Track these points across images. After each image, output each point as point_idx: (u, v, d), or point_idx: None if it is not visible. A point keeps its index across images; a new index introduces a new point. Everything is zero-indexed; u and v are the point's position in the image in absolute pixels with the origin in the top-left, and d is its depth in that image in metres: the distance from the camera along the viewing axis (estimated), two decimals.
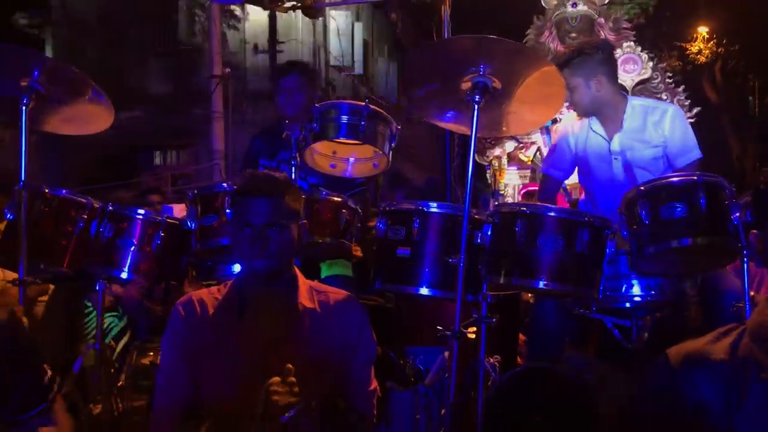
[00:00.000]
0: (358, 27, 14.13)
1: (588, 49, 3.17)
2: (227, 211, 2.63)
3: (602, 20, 9.58)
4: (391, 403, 2.42)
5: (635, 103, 3.23)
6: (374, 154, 2.97)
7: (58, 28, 13.54)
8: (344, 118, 2.83)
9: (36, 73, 2.65)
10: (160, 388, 2.08)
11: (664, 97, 8.93)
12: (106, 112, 2.87)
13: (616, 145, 3.17)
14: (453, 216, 2.51)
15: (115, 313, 3.38)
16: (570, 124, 3.45)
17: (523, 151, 9.72)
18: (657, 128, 3.14)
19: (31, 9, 13.78)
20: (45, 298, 3.30)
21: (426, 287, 2.49)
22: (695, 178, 2.45)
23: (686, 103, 9.31)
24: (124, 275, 2.73)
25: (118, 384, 2.84)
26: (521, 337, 3.26)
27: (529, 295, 3.31)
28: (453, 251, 2.41)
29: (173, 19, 13.36)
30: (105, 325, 3.20)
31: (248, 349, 1.99)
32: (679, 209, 2.39)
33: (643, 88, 9.30)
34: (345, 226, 2.82)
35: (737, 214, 2.39)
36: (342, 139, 2.90)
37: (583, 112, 3.27)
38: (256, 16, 12.20)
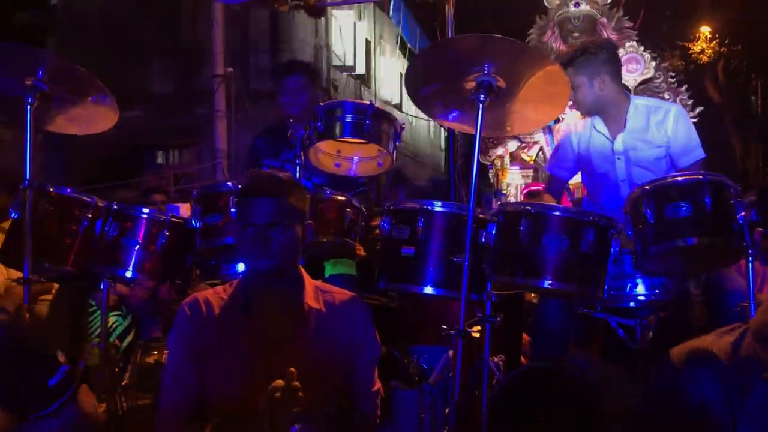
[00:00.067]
0: (360, 26, 14.13)
1: (592, 48, 3.17)
2: (231, 210, 2.64)
3: (605, 20, 9.57)
4: (396, 402, 2.42)
5: (638, 102, 3.22)
6: (379, 153, 2.97)
7: (60, 28, 13.56)
8: (349, 117, 2.83)
9: (41, 72, 2.66)
10: (165, 387, 2.08)
11: (667, 97, 8.92)
12: (110, 111, 2.88)
13: (619, 144, 3.17)
14: (457, 215, 2.51)
15: (119, 312, 3.38)
16: (573, 124, 3.45)
17: (525, 150, 9.73)
18: (660, 128, 3.14)
19: (34, 9, 13.80)
20: (47, 297, 3.30)
21: (430, 286, 2.49)
22: (700, 177, 2.45)
23: (689, 103, 9.31)
24: (128, 274, 2.74)
25: (123, 383, 2.84)
26: (525, 336, 3.26)
27: (533, 294, 3.31)
28: (457, 250, 2.41)
29: (175, 19, 13.36)
30: (109, 324, 3.20)
31: (254, 349, 1.99)
32: (684, 208, 2.39)
33: (645, 87, 9.30)
34: (349, 225, 2.82)
35: (742, 214, 2.39)
36: (346, 138, 2.90)
37: (587, 112, 3.27)
38: (258, 16, 12.21)
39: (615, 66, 3.22)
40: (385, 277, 2.59)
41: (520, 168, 9.79)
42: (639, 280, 2.58)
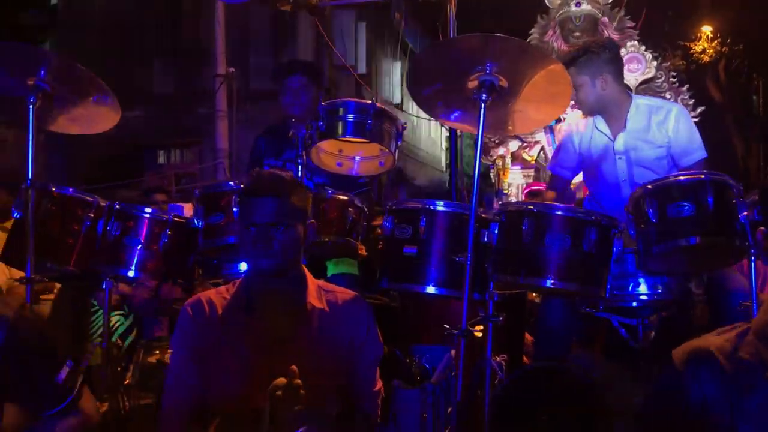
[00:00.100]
0: (362, 26, 14.12)
1: (594, 47, 3.16)
2: (234, 209, 2.64)
3: (606, 19, 9.58)
4: (398, 401, 2.42)
5: (640, 102, 3.22)
6: (380, 152, 2.97)
7: (61, 28, 13.57)
8: (351, 117, 2.83)
9: (43, 72, 2.66)
10: (169, 387, 2.09)
11: (668, 96, 8.92)
12: (112, 111, 2.88)
13: (620, 144, 3.17)
14: (460, 215, 2.51)
15: (121, 312, 3.38)
16: (575, 123, 3.45)
17: (526, 150, 9.73)
18: (661, 128, 3.13)
19: (34, 9, 13.81)
20: (48, 296, 3.31)
21: (433, 286, 2.48)
22: (703, 176, 2.45)
23: (690, 103, 9.31)
24: (131, 273, 2.74)
25: (125, 382, 2.84)
26: (528, 336, 3.26)
27: (534, 294, 3.31)
28: (460, 250, 2.41)
29: (177, 18, 13.36)
30: (111, 324, 3.20)
31: (256, 348, 1.99)
32: (686, 208, 2.38)
33: (647, 87, 9.30)
34: (351, 224, 2.82)
35: (744, 213, 2.39)
36: (348, 138, 2.90)
37: (589, 111, 3.27)
38: (259, 15, 12.21)
39: (617, 65, 3.22)
40: (387, 277, 2.59)
41: (522, 168, 9.80)
42: (641, 280, 2.58)
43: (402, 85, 16.02)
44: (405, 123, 2.95)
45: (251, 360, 1.98)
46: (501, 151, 9.63)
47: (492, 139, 8.80)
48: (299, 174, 2.93)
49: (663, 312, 2.75)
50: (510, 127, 2.91)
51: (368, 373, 2.14)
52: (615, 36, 9.03)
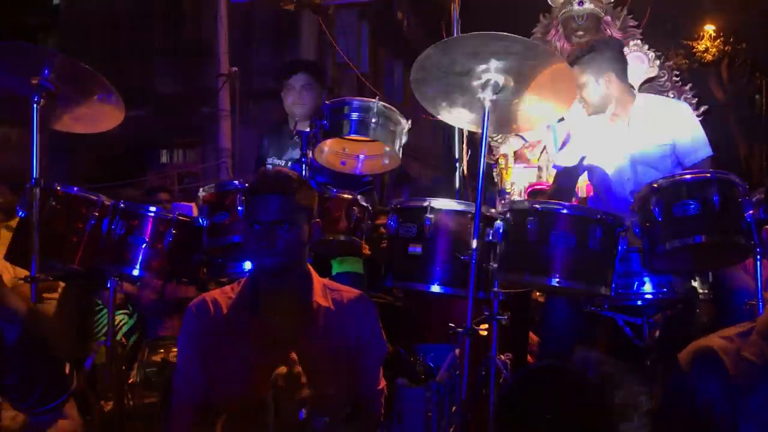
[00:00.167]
0: (364, 25, 14.13)
1: (599, 45, 3.17)
2: (238, 208, 2.64)
3: (609, 18, 9.55)
4: (403, 400, 2.41)
5: (644, 100, 3.22)
6: (384, 151, 2.97)
7: (63, 28, 13.58)
8: (355, 115, 2.82)
9: (46, 71, 2.66)
10: (177, 387, 2.09)
11: (671, 95, 8.90)
12: (116, 109, 2.88)
13: (624, 142, 3.16)
14: (464, 213, 2.51)
15: (125, 311, 3.39)
16: (578, 122, 3.44)
17: (529, 149, 9.70)
18: (665, 126, 3.13)
19: (37, 9, 13.82)
20: (52, 295, 3.31)
21: (437, 284, 2.49)
22: (708, 175, 2.45)
23: (693, 102, 9.29)
24: (135, 272, 2.74)
25: (129, 381, 2.84)
26: (532, 335, 3.26)
27: (538, 293, 3.31)
28: (464, 248, 2.41)
29: (179, 18, 13.37)
30: (116, 323, 3.20)
31: (262, 347, 1.99)
32: (692, 206, 2.38)
33: (649, 86, 9.27)
34: (355, 223, 2.82)
35: (750, 212, 2.39)
36: (352, 136, 2.89)
37: (593, 109, 3.26)
38: (262, 15, 12.21)
39: (621, 64, 3.22)
40: (392, 275, 2.59)
41: (524, 167, 9.79)
42: (646, 279, 2.58)
43: (404, 84, 16.02)
44: (409, 122, 2.95)
45: (257, 359, 1.98)
46: (503, 150, 9.62)
47: (494, 138, 8.79)
48: (304, 173, 2.93)
49: (668, 311, 2.74)
50: (514, 126, 2.91)
51: (372, 371, 2.14)
52: (618, 35, 8.99)
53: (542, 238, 2.39)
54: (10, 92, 2.76)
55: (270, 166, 3.56)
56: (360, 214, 2.85)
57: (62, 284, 3.20)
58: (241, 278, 2.20)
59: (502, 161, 9.73)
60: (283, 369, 1.78)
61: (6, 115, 3.15)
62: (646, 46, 9.60)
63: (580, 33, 9.42)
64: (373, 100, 2.84)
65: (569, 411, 2.41)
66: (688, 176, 2.51)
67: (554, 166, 3.62)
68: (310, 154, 2.93)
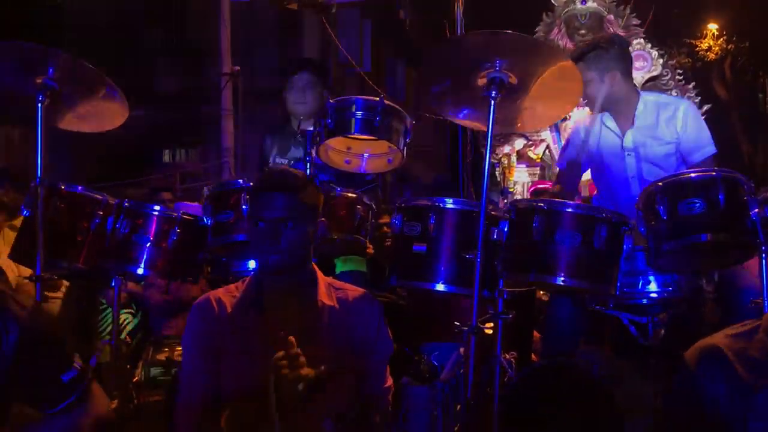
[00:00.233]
0: (366, 24, 14.12)
1: (603, 43, 3.15)
2: (243, 207, 2.64)
3: (611, 17, 9.56)
4: (408, 398, 2.42)
5: (648, 98, 3.21)
6: (389, 149, 2.96)
7: (65, 27, 13.58)
8: (359, 114, 2.81)
9: (51, 70, 2.66)
10: (182, 386, 2.10)
11: (674, 94, 8.92)
12: (120, 107, 2.88)
13: (628, 141, 3.16)
14: (469, 212, 2.50)
15: (129, 310, 3.39)
16: (582, 120, 3.44)
17: (532, 148, 9.73)
18: (669, 124, 3.12)
19: (41, 8, 13.83)
20: (56, 294, 3.31)
21: (442, 283, 2.47)
22: (714, 173, 2.43)
23: (696, 100, 9.30)
24: (140, 271, 2.74)
25: (134, 380, 2.85)
26: (535, 334, 3.25)
27: (541, 292, 3.30)
28: (469, 247, 2.40)
29: (182, 17, 13.38)
30: (120, 322, 3.21)
31: (267, 346, 1.99)
32: (697, 205, 2.37)
33: (652, 85, 9.30)
34: (359, 222, 2.82)
35: (755, 210, 2.37)
36: (357, 135, 2.89)
37: (597, 107, 3.25)
38: (265, 14, 12.21)
39: (626, 62, 3.20)
40: (397, 274, 2.58)
41: (527, 166, 9.80)
42: (651, 277, 2.57)
43: (407, 83, 16.01)
44: (413, 120, 2.95)
45: (262, 358, 1.98)
46: (506, 149, 9.63)
47: (497, 137, 8.80)
48: (308, 172, 2.92)
49: (673, 309, 2.74)
50: (519, 124, 2.90)
51: (379, 370, 2.14)
52: (621, 33, 9.01)
53: (547, 236, 2.38)
54: (15, 92, 2.76)
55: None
56: (364, 212, 2.84)
57: (66, 283, 3.21)
58: (245, 277, 2.20)
59: (504, 160, 9.75)
60: (281, 353, 1.78)
61: (10, 114, 3.15)
62: (649, 45, 9.60)
63: (583, 32, 9.43)
64: (377, 98, 2.83)
65: (574, 410, 2.40)
66: (693, 175, 2.50)
67: (557, 165, 3.61)
68: (314, 153, 2.92)
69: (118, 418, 2.65)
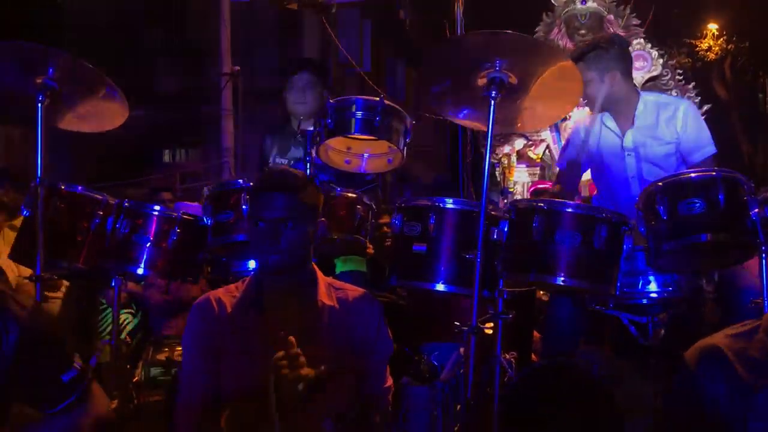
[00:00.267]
0: (366, 24, 14.13)
1: (603, 43, 3.15)
2: (243, 207, 2.64)
3: (611, 17, 9.57)
4: (408, 398, 2.42)
5: (648, 99, 3.21)
6: (389, 149, 2.96)
7: (65, 27, 13.59)
8: (359, 114, 2.81)
9: (51, 70, 2.66)
10: (182, 386, 2.10)
11: (674, 94, 8.92)
12: (120, 107, 2.88)
13: (628, 141, 3.16)
14: (469, 212, 2.50)
15: (129, 310, 3.39)
16: (582, 120, 3.44)
17: (532, 148, 9.73)
18: (669, 125, 3.13)
19: (42, 8, 13.84)
20: (55, 294, 3.31)
21: (442, 283, 2.47)
22: (714, 173, 2.44)
23: (696, 100, 9.30)
24: (140, 271, 2.75)
25: (134, 380, 2.85)
26: (535, 334, 3.25)
27: (541, 292, 3.30)
28: (469, 247, 2.40)
29: (182, 17, 13.38)
30: (120, 322, 3.21)
31: (267, 346, 1.99)
32: (697, 205, 2.37)
33: (652, 84, 9.30)
34: (359, 222, 2.82)
35: (755, 210, 2.38)
36: (356, 135, 2.89)
37: (597, 107, 3.25)
38: (265, 14, 12.22)
39: (626, 62, 3.20)
40: (397, 274, 2.58)
41: (527, 166, 9.81)
42: (651, 277, 2.57)
43: (406, 83, 16.02)
44: (413, 120, 2.95)
45: (262, 358, 1.98)
46: (506, 149, 9.63)
47: (497, 137, 8.80)
48: (308, 172, 2.92)
49: (673, 309, 2.74)
50: (519, 124, 2.90)
51: (379, 370, 2.14)
52: (621, 33, 9.02)
53: (547, 236, 2.38)
54: (15, 92, 2.76)
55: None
56: (364, 212, 2.84)
57: (66, 283, 3.21)
58: (245, 277, 2.20)
59: (504, 160, 9.75)
60: (280, 353, 1.78)
61: (10, 114, 3.15)
62: (649, 45, 9.60)
63: (583, 32, 9.43)
64: (378, 98, 2.83)
65: (574, 410, 2.40)
66: (693, 175, 2.50)
67: (557, 165, 3.61)
68: (314, 153, 2.92)
69: (118, 418, 2.65)
